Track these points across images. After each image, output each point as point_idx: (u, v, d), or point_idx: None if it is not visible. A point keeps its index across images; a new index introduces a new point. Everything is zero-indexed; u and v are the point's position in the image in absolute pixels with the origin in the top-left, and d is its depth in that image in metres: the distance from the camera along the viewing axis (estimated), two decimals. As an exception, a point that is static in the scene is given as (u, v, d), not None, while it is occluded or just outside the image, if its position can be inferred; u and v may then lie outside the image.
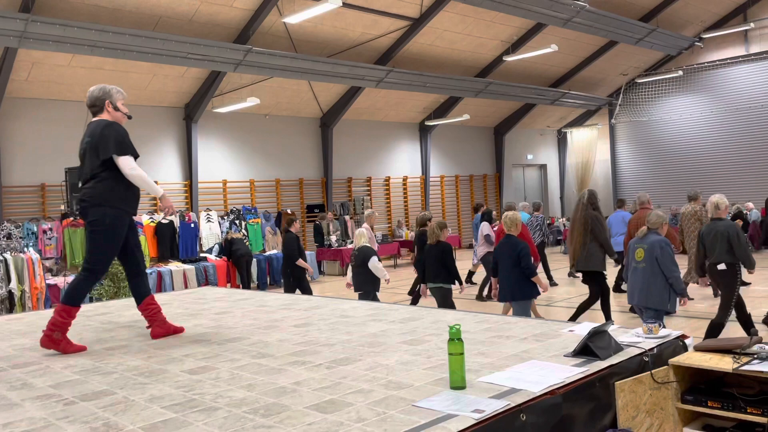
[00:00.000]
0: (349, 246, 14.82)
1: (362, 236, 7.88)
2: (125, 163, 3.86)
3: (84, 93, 15.12)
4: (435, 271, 6.87)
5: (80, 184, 4.02)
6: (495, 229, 10.03)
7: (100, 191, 3.85)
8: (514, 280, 6.24)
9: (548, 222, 11.50)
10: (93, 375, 3.19)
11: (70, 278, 10.71)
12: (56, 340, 3.73)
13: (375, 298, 7.47)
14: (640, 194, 9.43)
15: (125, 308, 5.51)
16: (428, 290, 7.03)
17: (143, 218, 13.24)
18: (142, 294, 4.13)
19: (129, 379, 3.08)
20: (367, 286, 7.70)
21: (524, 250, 6.21)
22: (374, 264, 7.52)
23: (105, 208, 3.84)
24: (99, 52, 10.90)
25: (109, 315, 5.19)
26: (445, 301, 6.89)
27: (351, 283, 7.81)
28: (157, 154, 13.98)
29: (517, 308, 6.35)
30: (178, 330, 4.17)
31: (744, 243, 6.16)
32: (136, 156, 3.94)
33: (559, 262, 14.30)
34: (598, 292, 7.39)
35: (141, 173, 3.91)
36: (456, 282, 6.91)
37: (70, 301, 3.83)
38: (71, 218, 11.62)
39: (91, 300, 9.28)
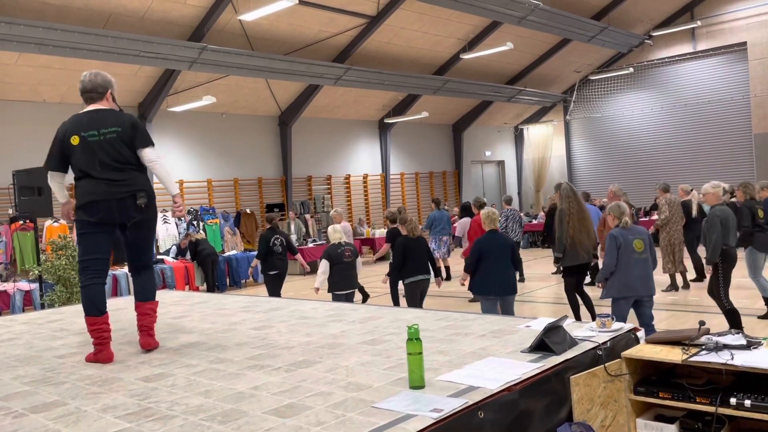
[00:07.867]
0: (310, 246, 14.73)
1: (336, 232, 7.59)
2: (153, 152, 3.70)
3: (31, 92, 14.41)
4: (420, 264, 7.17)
5: (105, 172, 3.58)
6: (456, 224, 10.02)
7: (147, 182, 3.72)
8: (512, 274, 6.27)
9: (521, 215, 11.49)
10: (43, 386, 3.09)
11: (21, 284, 10.34)
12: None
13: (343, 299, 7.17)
14: (612, 186, 9.44)
15: (78, 315, 5.35)
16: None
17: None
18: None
19: (81, 388, 3.00)
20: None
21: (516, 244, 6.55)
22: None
23: (153, 200, 3.76)
24: (47, 50, 10.56)
25: (60, 322, 5.04)
26: (423, 294, 7.18)
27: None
28: (110, 154, 13.62)
29: (512, 300, 6.44)
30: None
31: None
32: None
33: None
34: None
35: (164, 164, 3.75)
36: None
37: (154, 296, 3.87)
38: (20, 222, 11.24)
39: (43, 306, 8.99)
